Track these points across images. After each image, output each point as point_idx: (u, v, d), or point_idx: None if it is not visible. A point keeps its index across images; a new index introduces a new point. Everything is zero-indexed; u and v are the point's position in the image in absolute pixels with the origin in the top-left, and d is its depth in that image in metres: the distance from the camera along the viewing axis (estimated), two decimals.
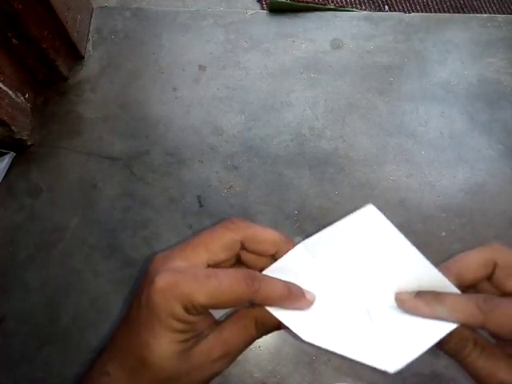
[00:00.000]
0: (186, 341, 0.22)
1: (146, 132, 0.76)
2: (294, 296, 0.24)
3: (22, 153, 0.75)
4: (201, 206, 0.71)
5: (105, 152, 0.75)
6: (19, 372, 0.62)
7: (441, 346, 0.23)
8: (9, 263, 0.68)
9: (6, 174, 0.73)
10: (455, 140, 0.76)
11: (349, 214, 0.24)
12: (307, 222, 0.70)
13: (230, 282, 0.22)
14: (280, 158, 0.75)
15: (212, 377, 0.24)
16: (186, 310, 0.21)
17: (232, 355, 0.24)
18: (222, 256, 0.24)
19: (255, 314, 0.24)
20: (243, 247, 0.25)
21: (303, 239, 0.25)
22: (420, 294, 0.24)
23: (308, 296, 0.25)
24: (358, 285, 0.25)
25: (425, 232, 0.69)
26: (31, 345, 0.63)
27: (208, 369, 0.23)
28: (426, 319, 0.23)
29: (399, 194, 0.72)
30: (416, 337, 0.23)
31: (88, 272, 0.67)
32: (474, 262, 0.25)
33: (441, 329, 0.22)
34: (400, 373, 0.23)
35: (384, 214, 0.24)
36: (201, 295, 0.21)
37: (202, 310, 0.22)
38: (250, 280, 0.22)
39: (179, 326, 0.22)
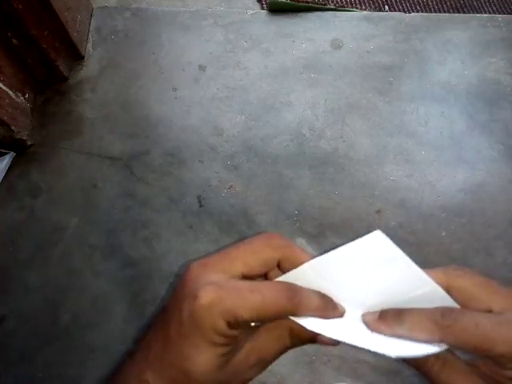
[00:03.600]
0: (227, 353, 0.23)
1: (146, 132, 0.76)
2: (330, 308, 0.24)
3: (22, 153, 0.75)
4: (201, 206, 0.71)
5: (105, 152, 0.75)
6: (19, 372, 0.62)
7: (404, 359, 0.23)
8: (9, 263, 0.68)
9: (5, 174, 0.73)
10: (455, 140, 0.76)
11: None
12: (307, 222, 0.70)
13: (272, 297, 0.22)
14: (280, 158, 0.75)
15: (247, 382, 0.25)
16: (229, 325, 0.22)
17: (266, 362, 0.25)
18: (257, 270, 0.24)
19: (290, 324, 0.24)
20: (277, 265, 0.25)
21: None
22: (382, 315, 0.24)
23: (339, 307, 0.25)
24: (360, 300, 0.25)
25: (425, 232, 0.69)
26: (31, 345, 0.63)
27: (244, 375, 0.24)
28: None
29: (399, 193, 0.72)
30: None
31: (88, 272, 0.67)
32: None
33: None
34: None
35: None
36: (245, 311, 0.21)
37: (244, 325, 0.22)
38: (292, 293, 0.23)
39: (222, 340, 0.22)
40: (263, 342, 0.25)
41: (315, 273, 0.24)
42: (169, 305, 0.24)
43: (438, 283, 0.23)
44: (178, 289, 0.23)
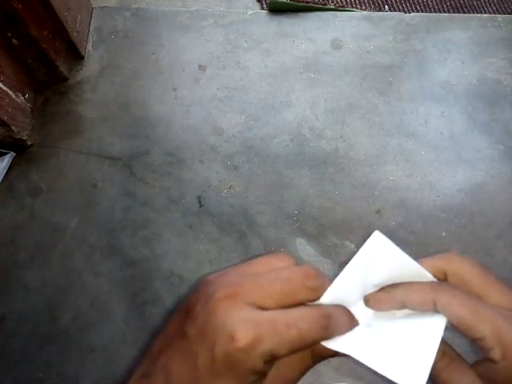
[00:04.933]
0: None
1: (146, 132, 0.76)
2: (354, 324, 0.25)
3: (22, 153, 0.75)
4: (201, 206, 0.71)
5: (105, 152, 0.75)
6: (19, 372, 0.62)
7: None
8: (9, 263, 0.68)
9: (5, 174, 0.73)
10: (455, 140, 0.76)
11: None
12: (307, 222, 0.70)
13: (308, 329, 0.21)
14: (280, 158, 0.75)
15: None
16: (266, 363, 0.21)
17: None
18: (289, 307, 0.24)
19: None
20: None
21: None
22: (381, 288, 0.25)
23: (355, 320, 0.25)
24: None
25: (425, 232, 0.69)
26: (31, 345, 0.63)
27: None
28: (417, 322, 0.24)
29: (399, 193, 0.72)
30: (420, 345, 0.23)
31: (88, 272, 0.67)
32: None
33: (437, 327, 0.23)
34: None
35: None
36: (283, 348, 0.21)
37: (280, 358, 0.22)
38: (326, 321, 0.22)
39: (256, 378, 0.22)
40: (287, 367, 0.24)
41: (334, 296, 0.24)
42: (190, 332, 0.22)
43: (436, 267, 0.25)
44: (207, 320, 0.22)
